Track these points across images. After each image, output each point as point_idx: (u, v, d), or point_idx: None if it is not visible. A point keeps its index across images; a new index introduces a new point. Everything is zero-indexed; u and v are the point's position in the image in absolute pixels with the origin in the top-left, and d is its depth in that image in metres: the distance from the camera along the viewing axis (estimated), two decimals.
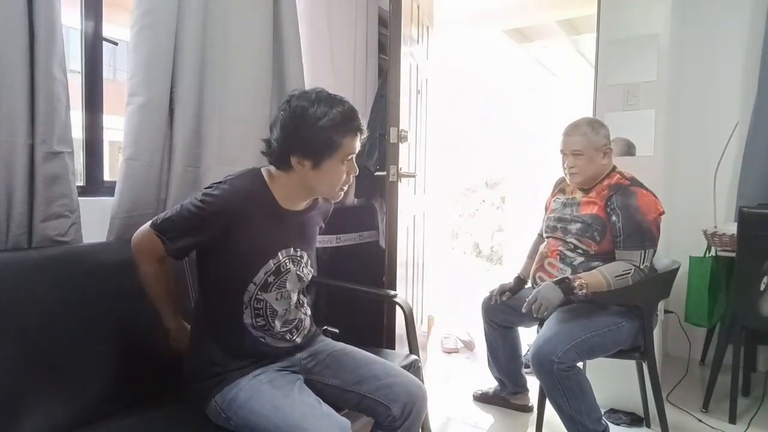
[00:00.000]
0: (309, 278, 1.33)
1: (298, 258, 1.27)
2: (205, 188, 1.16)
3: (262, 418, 1.11)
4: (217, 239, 1.14)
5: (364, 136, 1.21)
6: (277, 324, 1.24)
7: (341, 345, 1.39)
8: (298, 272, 1.27)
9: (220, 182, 1.16)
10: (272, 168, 1.21)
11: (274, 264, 1.20)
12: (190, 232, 1.14)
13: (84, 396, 1.21)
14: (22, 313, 1.14)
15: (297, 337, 1.30)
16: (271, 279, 1.20)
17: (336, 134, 1.13)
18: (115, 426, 1.18)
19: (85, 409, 1.20)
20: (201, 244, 1.16)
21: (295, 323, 1.30)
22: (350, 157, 1.19)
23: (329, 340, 1.41)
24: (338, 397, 1.27)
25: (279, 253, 1.21)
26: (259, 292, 1.20)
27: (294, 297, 1.29)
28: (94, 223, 1.45)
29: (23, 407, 1.11)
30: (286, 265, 1.23)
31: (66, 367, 1.19)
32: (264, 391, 1.16)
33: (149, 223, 1.18)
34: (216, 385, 1.18)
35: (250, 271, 1.18)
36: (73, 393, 1.19)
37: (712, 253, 2.43)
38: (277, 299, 1.23)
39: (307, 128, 1.12)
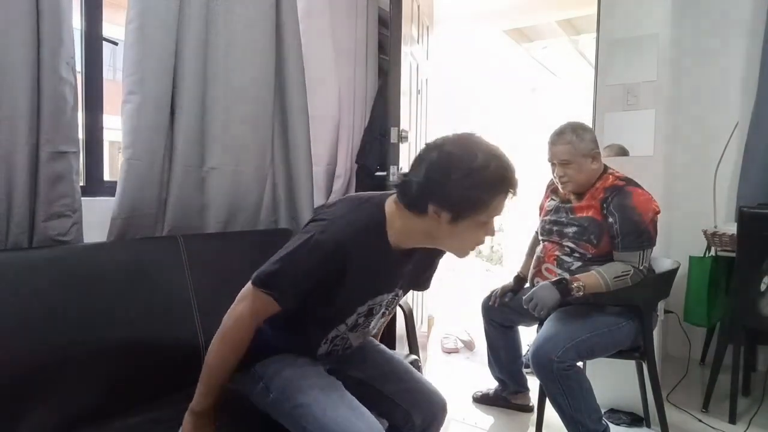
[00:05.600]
0: (393, 311, 1.30)
1: (392, 297, 1.20)
2: (316, 220, 1.06)
3: (310, 398, 1.06)
4: (326, 282, 1.04)
5: (515, 197, 1.05)
6: (340, 352, 1.21)
7: (370, 339, 1.35)
8: (384, 310, 1.22)
9: (333, 215, 1.05)
10: (398, 205, 1.05)
11: (369, 306, 1.14)
12: (304, 279, 1.02)
13: (84, 396, 1.21)
14: (22, 312, 1.14)
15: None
16: (361, 320, 1.15)
17: (487, 193, 0.99)
18: (115, 426, 1.18)
19: (86, 410, 1.20)
20: (313, 290, 1.04)
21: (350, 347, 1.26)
22: (493, 219, 1.05)
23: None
24: (356, 389, 1.17)
25: (377, 296, 1.14)
26: (347, 332, 1.16)
27: (373, 332, 1.26)
28: (94, 223, 1.44)
29: (23, 407, 1.11)
30: (380, 307, 1.18)
31: (66, 367, 1.19)
32: (312, 372, 1.12)
33: (251, 283, 1.06)
34: (256, 355, 1.13)
35: (345, 312, 1.12)
36: (74, 393, 1.19)
37: (712, 253, 2.43)
38: (358, 337, 1.20)
39: (456, 179, 0.97)
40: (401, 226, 1.05)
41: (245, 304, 1.05)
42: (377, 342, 1.36)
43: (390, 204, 1.07)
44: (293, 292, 1.03)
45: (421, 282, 1.31)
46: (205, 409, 1.09)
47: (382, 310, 1.20)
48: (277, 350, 1.15)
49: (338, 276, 1.03)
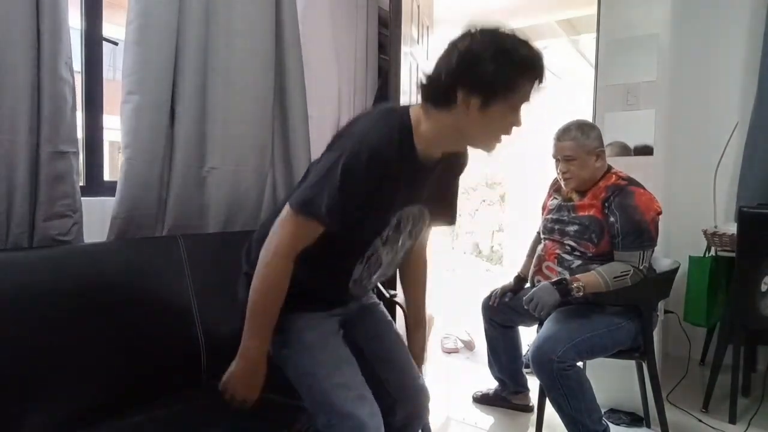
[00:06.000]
0: (423, 238, 1.26)
1: (420, 213, 1.17)
2: (342, 137, 1.05)
3: (324, 371, 1.08)
4: (366, 195, 1.02)
5: (541, 86, 1.04)
6: (375, 278, 1.19)
7: (387, 317, 1.34)
8: (412, 229, 1.18)
9: (362, 130, 1.03)
10: (422, 110, 1.06)
11: (397, 219, 1.12)
12: (346, 197, 1.00)
13: (85, 396, 1.21)
14: (22, 312, 1.14)
15: (370, 289, 1.24)
16: (390, 234, 1.13)
17: (517, 73, 0.98)
18: (115, 426, 1.18)
19: (86, 409, 1.20)
20: (356, 206, 1.02)
21: (384, 275, 1.23)
22: (521, 107, 1.04)
23: (380, 302, 1.36)
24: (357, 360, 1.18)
25: (406, 207, 1.12)
26: (381, 247, 1.13)
27: (400, 254, 1.21)
28: (94, 222, 1.45)
29: (24, 407, 1.11)
30: (407, 222, 1.15)
31: (67, 367, 1.19)
32: (332, 344, 1.12)
33: (290, 210, 1.04)
34: (288, 298, 1.10)
35: (381, 225, 1.10)
36: (75, 393, 1.19)
37: (712, 253, 2.43)
38: (387, 253, 1.16)
39: (488, 60, 0.97)
40: (428, 129, 1.05)
41: (285, 234, 1.03)
42: (395, 327, 1.35)
43: (414, 111, 1.07)
44: (338, 211, 1.01)
45: (445, 209, 1.27)
46: (254, 354, 1.06)
47: (409, 227, 1.17)
48: (313, 289, 1.11)
49: (376, 187, 1.01)
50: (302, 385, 1.11)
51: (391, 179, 1.03)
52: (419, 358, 1.36)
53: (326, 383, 1.07)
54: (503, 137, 1.07)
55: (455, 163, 1.21)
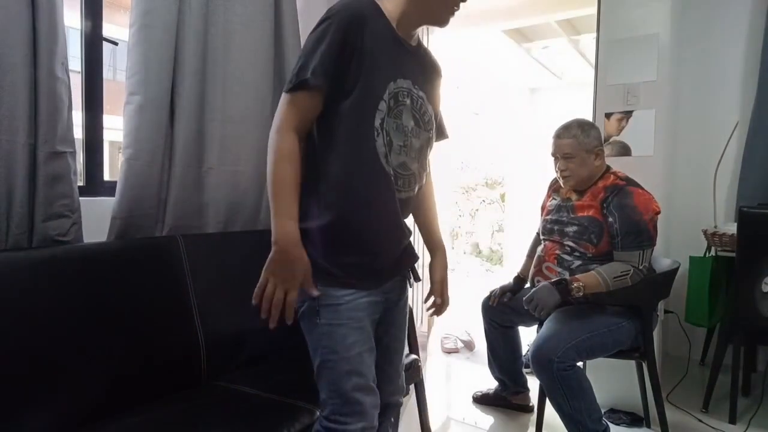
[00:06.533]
0: (430, 130, 1.24)
1: (418, 97, 1.19)
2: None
3: (346, 354, 1.09)
4: (349, 54, 1.06)
5: None
6: (394, 160, 1.15)
7: (406, 310, 1.33)
8: (414, 111, 1.18)
9: (329, 10, 1.11)
10: None
11: (395, 88, 1.13)
12: (328, 51, 1.06)
13: (85, 396, 1.21)
14: (22, 312, 1.14)
15: (409, 192, 1.21)
16: (392, 104, 1.13)
17: None
18: (116, 426, 1.18)
19: (86, 409, 1.20)
20: (340, 66, 1.07)
21: (412, 175, 1.20)
22: None
23: (408, 295, 1.34)
24: None
25: (398, 79, 1.14)
26: (387, 117, 1.12)
27: (414, 142, 1.18)
28: (94, 223, 1.45)
29: (24, 407, 1.11)
30: (403, 96, 1.15)
31: (66, 367, 1.19)
32: (364, 332, 1.12)
33: (283, 94, 1.10)
34: (328, 273, 1.10)
35: (377, 89, 1.11)
36: (74, 393, 1.19)
37: (712, 253, 2.43)
38: (395, 129, 1.14)
39: None
40: (391, 9, 1.14)
41: (284, 112, 1.08)
42: (406, 323, 1.34)
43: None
44: (321, 67, 1.05)
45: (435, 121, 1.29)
46: (285, 238, 1.05)
47: (408, 102, 1.16)
48: (356, 193, 1.11)
49: (358, 44, 1.07)
50: (318, 356, 1.11)
51: (370, 35, 1.08)
52: (442, 284, 1.34)
53: (343, 365, 1.09)
54: (454, 10, 1.18)
55: (430, 64, 1.28)
